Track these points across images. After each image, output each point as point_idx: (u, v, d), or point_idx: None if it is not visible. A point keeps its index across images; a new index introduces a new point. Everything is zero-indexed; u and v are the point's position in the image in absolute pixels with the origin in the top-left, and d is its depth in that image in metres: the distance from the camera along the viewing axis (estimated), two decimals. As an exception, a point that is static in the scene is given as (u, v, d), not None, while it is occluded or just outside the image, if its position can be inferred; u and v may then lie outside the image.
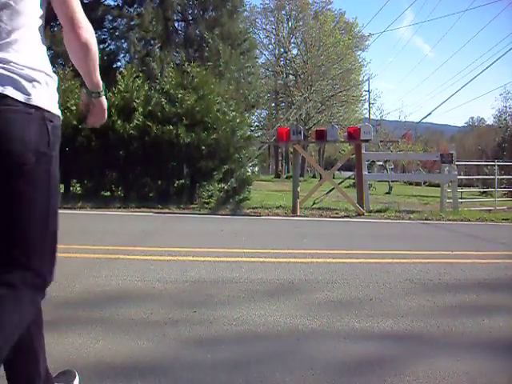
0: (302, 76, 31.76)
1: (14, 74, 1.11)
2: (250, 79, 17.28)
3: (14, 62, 1.11)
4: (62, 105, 8.41)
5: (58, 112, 1.22)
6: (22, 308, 1.16)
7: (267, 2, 34.86)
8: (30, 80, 1.13)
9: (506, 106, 49.53)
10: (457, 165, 9.36)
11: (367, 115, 34.78)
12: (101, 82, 1.35)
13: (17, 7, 1.13)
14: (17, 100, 1.11)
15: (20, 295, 1.15)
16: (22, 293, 1.15)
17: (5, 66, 1.10)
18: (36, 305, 1.23)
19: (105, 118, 1.43)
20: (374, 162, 19.42)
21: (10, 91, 1.10)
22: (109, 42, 14.94)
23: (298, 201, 7.32)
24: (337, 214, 7.25)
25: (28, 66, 1.13)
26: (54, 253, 1.24)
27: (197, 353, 1.85)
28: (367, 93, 35.31)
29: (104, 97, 1.41)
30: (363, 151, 7.83)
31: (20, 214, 1.15)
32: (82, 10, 1.23)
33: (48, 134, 1.17)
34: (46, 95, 1.17)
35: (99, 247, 3.86)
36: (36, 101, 1.13)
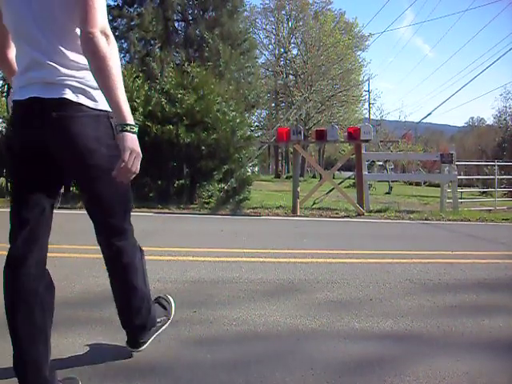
0: (302, 76, 31.76)
1: (85, 85, 1.40)
2: (250, 79, 17.29)
3: (84, 77, 1.40)
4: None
5: None
6: (135, 253, 1.66)
7: (267, 1, 34.90)
8: (95, 88, 1.40)
9: (505, 106, 49.56)
10: (457, 165, 9.35)
11: (367, 115, 34.80)
12: (126, 112, 1.33)
13: (73, 33, 1.38)
14: (88, 106, 1.40)
15: (127, 246, 1.62)
16: (128, 244, 1.63)
17: (79, 80, 1.39)
18: (137, 246, 1.69)
19: (131, 168, 1.34)
20: (374, 162, 19.42)
21: (83, 100, 1.39)
22: (109, 41, 14.93)
23: (298, 201, 7.32)
24: (337, 213, 7.25)
25: (92, 78, 1.38)
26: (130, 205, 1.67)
27: (197, 353, 1.85)
28: (367, 93, 35.35)
29: (132, 135, 1.34)
30: (363, 151, 7.82)
31: (108, 193, 1.50)
32: (103, 10, 1.34)
33: (112, 128, 1.43)
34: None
35: (99, 247, 3.85)
36: (101, 105, 1.42)
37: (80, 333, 2.00)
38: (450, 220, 7.05)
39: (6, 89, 17.12)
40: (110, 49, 1.31)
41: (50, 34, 1.36)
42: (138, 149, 1.36)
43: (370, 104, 35.01)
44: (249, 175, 9.06)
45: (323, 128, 8.01)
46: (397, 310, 2.47)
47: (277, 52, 35.34)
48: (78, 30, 1.36)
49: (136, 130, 1.36)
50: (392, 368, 1.77)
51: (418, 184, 28.08)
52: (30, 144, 1.41)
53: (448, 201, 9.26)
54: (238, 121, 8.45)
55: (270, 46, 35.48)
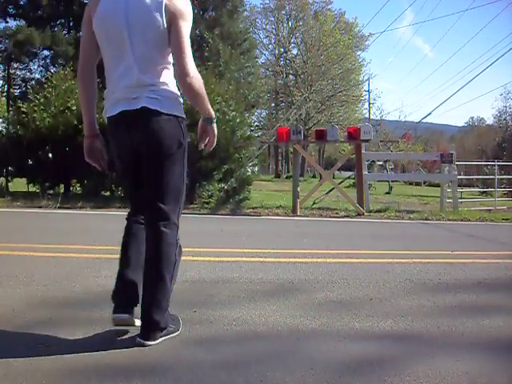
0: (301, 76, 31.76)
1: (159, 96, 1.86)
2: (250, 79, 17.31)
3: (157, 91, 1.86)
4: (62, 104, 8.42)
5: (184, 115, 1.95)
6: (174, 246, 1.92)
7: (267, 1, 34.90)
8: (168, 98, 1.88)
9: (505, 106, 49.56)
10: (457, 165, 9.36)
11: (367, 115, 34.78)
12: (212, 112, 1.98)
13: (158, 65, 1.87)
14: (161, 112, 1.85)
15: (169, 235, 1.90)
16: (170, 234, 1.91)
17: (154, 92, 1.86)
18: (178, 243, 1.96)
19: (214, 143, 2.05)
20: (374, 161, 19.43)
21: (157, 107, 1.84)
22: (109, 41, 14.93)
23: (298, 201, 7.32)
24: (337, 213, 7.25)
25: (168, 90, 1.89)
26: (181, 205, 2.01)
27: (197, 353, 1.85)
28: (367, 93, 35.35)
29: (215, 124, 2.02)
30: (363, 151, 7.83)
31: (169, 182, 1.91)
32: (190, 54, 1.85)
33: (182, 130, 1.94)
34: (178, 106, 1.93)
35: (99, 247, 3.86)
36: (174, 111, 1.89)
37: (80, 333, 2.00)
38: (449, 220, 7.05)
39: (5, 89, 17.13)
40: (199, 83, 1.86)
41: (143, 66, 1.85)
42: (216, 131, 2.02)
43: (369, 104, 35.02)
44: (249, 175, 9.07)
45: (323, 128, 8.02)
46: (397, 310, 2.47)
47: (277, 52, 35.33)
48: (162, 64, 1.88)
49: (216, 120, 2.01)
50: (392, 368, 1.77)
51: (418, 184, 28.10)
52: (125, 146, 1.93)
53: (448, 201, 9.27)
54: (237, 121, 8.44)
55: (270, 46, 35.51)
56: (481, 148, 50.77)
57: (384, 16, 24.16)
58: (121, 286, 1.95)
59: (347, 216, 7.06)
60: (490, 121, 58.92)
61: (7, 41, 13.15)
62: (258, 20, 34.08)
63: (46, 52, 14.31)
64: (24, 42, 12.66)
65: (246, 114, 11.49)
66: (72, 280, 2.83)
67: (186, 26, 1.85)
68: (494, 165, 15.03)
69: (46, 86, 8.78)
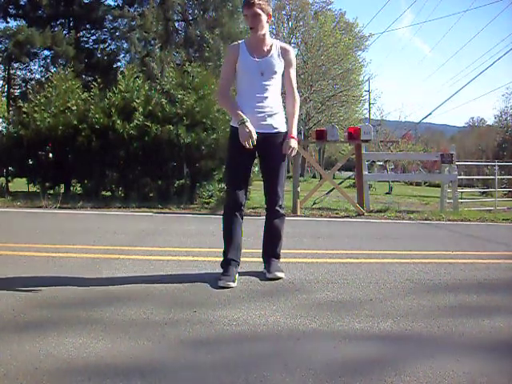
0: (302, 76, 31.73)
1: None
2: (250, 79, 17.25)
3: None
4: (63, 105, 8.42)
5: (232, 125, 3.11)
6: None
7: (267, 2, 34.84)
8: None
9: (507, 107, 49.55)
10: (457, 165, 9.35)
11: (367, 115, 34.78)
12: (235, 117, 3.07)
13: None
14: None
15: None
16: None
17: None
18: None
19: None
20: (374, 162, 19.43)
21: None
22: (109, 41, 14.96)
23: (298, 201, 7.31)
24: (337, 214, 7.25)
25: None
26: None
27: (197, 353, 1.85)
28: (367, 93, 35.35)
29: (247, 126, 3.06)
30: (363, 151, 7.82)
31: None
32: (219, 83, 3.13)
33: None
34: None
35: (99, 247, 3.86)
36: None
37: (80, 333, 2.00)
38: (450, 220, 7.04)
39: (6, 89, 17.13)
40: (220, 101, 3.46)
41: None
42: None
43: (370, 104, 35.02)
44: (249, 175, 9.05)
45: (323, 128, 8.01)
46: (397, 310, 2.47)
47: (277, 52, 35.26)
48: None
49: (244, 121, 2.94)
50: (392, 368, 1.77)
51: (418, 184, 28.10)
52: None
53: (448, 201, 9.26)
54: (238, 121, 8.43)
55: (271, 46, 35.44)
56: (481, 148, 50.75)
57: (384, 16, 24.21)
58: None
59: (347, 216, 7.05)
60: (490, 121, 59.00)
61: (7, 41, 13.15)
62: (258, 20, 34.04)
63: (46, 52, 14.33)
64: (24, 42, 12.66)
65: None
66: (72, 280, 2.83)
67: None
68: (494, 165, 15.02)
69: (46, 85, 8.78)
